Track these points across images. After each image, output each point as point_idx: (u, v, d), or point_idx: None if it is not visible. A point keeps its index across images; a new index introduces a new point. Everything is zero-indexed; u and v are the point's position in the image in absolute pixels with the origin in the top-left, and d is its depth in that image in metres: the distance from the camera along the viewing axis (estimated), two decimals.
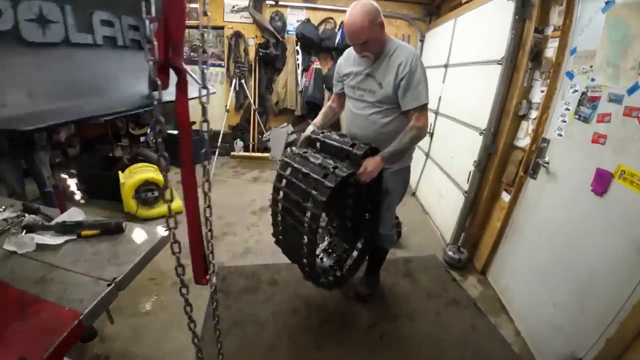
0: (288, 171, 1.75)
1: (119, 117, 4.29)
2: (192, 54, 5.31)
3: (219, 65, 5.24)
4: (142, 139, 5.34)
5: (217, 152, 4.03)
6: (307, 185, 1.55)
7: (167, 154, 0.76)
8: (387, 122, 1.72)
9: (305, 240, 1.58)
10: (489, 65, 2.54)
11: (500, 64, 2.39)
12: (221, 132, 4.03)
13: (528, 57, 2.25)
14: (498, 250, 2.51)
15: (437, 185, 3.41)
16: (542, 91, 2.16)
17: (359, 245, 2.08)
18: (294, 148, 1.89)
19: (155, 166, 3.37)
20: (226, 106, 4.13)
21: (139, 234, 1.49)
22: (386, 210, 1.92)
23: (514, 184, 2.35)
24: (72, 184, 3.43)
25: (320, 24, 4.80)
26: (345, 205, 2.03)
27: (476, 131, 2.64)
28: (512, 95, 2.37)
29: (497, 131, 2.46)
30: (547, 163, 2.04)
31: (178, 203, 3.22)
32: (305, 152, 1.79)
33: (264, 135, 5.04)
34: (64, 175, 3.33)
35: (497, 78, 2.41)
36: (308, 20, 4.74)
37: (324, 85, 4.88)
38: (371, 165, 1.59)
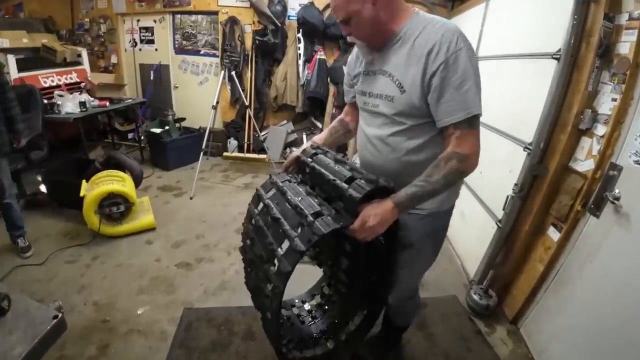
0: (258, 208, 1.28)
1: (104, 112, 3.80)
2: (184, 42, 4.76)
3: (214, 55, 4.68)
4: (129, 135, 4.87)
5: (201, 154, 3.48)
6: (274, 239, 1.06)
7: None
8: (417, 147, 1.10)
9: (269, 310, 1.08)
10: (539, 60, 1.94)
11: (557, 58, 1.78)
12: (207, 131, 3.48)
13: (595, 52, 1.65)
14: (537, 299, 1.97)
15: (459, 204, 2.80)
16: (614, 100, 1.59)
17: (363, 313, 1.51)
18: (273, 176, 1.33)
19: (126, 175, 2.87)
20: (215, 102, 3.59)
21: (26, 318, 0.97)
22: (405, 273, 1.32)
23: (566, 219, 1.78)
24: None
25: (326, 8, 4.17)
26: (337, 265, 1.48)
27: (518, 144, 2.05)
28: (571, 101, 1.77)
29: (547, 148, 1.87)
30: (617, 199, 1.48)
31: (149, 218, 2.72)
32: (288, 181, 1.26)
33: (261, 135, 4.51)
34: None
35: (550, 77, 1.81)
36: (311, 3, 4.13)
37: (328, 79, 4.29)
38: (375, 216, 0.97)
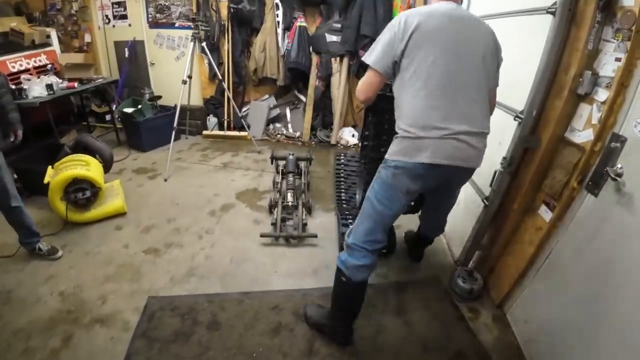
0: None
1: (73, 93, 3.49)
2: (157, 15, 4.35)
3: (189, 27, 4.27)
4: (108, 117, 4.56)
5: (173, 133, 3.22)
6: None
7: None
8: None
9: None
10: (533, 16, 1.66)
11: (552, 12, 1.50)
12: (177, 109, 3.20)
13: (596, 5, 1.38)
14: (525, 282, 1.79)
15: None
16: (618, 60, 1.33)
17: None
18: None
19: (92, 159, 2.62)
20: (186, 75, 3.27)
21: None
22: None
23: (560, 197, 1.57)
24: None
25: None
26: None
27: (508, 113, 1.81)
28: (569, 62, 1.51)
29: (540, 116, 1.63)
30: (619, 175, 1.25)
31: (119, 203, 2.52)
32: None
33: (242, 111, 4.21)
34: None
35: (545, 35, 1.54)
36: None
37: (310, 48, 3.93)
38: None
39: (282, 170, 2.97)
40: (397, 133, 1.32)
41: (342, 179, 3.12)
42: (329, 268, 2.06)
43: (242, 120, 4.00)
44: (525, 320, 1.75)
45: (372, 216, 1.38)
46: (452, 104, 1.25)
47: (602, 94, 1.38)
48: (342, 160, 3.34)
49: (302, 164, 3.00)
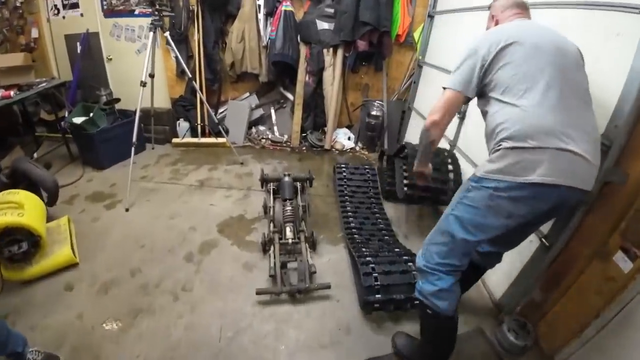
0: None
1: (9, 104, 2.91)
2: (113, 1, 3.77)
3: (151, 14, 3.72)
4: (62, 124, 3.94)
5: (132, 150, 2.73)
6: None
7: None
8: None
9: None
10: (618, 14, 1.33)
11: None
12: (136, 119, 2.71)
13: None
14: (586, 334, 1.57)
15: None
16: None
17: None
18: None
19: (28, 196, 2.13)
20: (147, 74, 2.78)
21: None
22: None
23: None
24: None
25: None
26: None
27: None
28: None
29: (626, 145, 1.34)
30: None
31: (66, 252, 2.08)
32: None
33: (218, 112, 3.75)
34: None
35: (636, 40, 1.24)
36: None
37: (297, 37, 3.50)
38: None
39: (273, 189, 2.61)
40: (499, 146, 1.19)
41: (347, 197, 2.78)
42: (351, 332, 1.74)
43: (219, 124, 3.54)
44: None
45: (451, 242, 1.32)
46: (568, 109, 1.15)
47: None
48: (345, 174, 2.99)
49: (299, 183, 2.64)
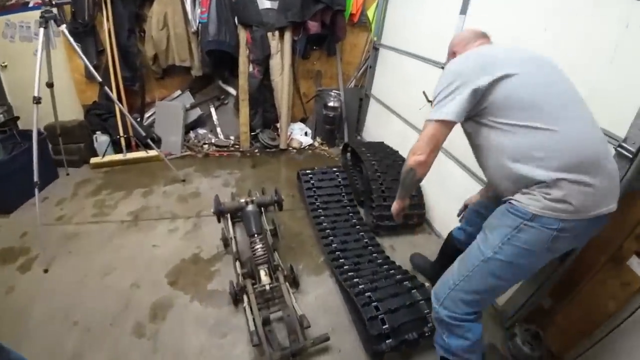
0: None
1: None
2: None
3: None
4: None
5: (37, 193, 2.10)
6: None
7: None
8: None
9: None
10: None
11: None
12: (34, 141, 2.06)
13: None
14: (596, 335, 1.61)
15: None
16: None
17: None
18: None
19: None
20: (46, 85, 2.17)
21: None
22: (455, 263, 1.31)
23: None
24: None
25: None
26: None
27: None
28: None
29: None
30: None
31: None
32: None
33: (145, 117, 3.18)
34: None
35: None
36: None
37: (235, 19, 3.05)
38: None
39: (228, 214, 2.24)
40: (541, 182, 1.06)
41: (321, 211, 2.52)
42: None
43: (148, 133, 2.99)
44: None
45: (492, 289, 1.21)
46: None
47: None
48: (312, 181, 2.71)
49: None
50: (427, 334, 1.67)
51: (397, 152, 2.97)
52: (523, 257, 1.10)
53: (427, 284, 2.12)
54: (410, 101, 2.93)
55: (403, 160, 2.81)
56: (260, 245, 1.84)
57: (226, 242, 2.12)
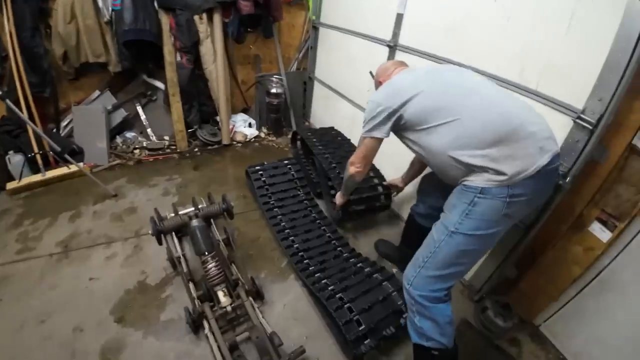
0: None
1: None
2: None
3: None
4: None
5: None
6: None
7: None
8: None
9: None
10: None
11: None
12: None
13: None
14: (563, 298, 1.77)
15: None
16: None
17: None
18: None
19: None
20: None
21: None
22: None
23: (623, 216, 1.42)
24: None
25: None
26: None
27: (556, 109, 1.45)
28: None
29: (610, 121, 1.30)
30: None
31: None
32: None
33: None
34: None
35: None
36: None
37: (154, 3, 2.74)
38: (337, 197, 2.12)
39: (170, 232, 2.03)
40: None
41: (277, 210, 2.41)
42: None
43: (65, 145, 2.62)
44: (570, 335, 1.77)
45: (461, 264, 1.31)
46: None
47: None
48: (263, 178, 2.57)
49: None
50: (403, 326, 1.68)
51: (349, 140, 2.91)
52: (483, 227, 1.23)
53: (394, 270, 2.15)
54: (358, 83, 2.87)
55: (355, 148, 2.79)
56: (214, 264, 1.68)
57: (174, 262, 1.92)
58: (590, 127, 1.28)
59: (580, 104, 1.32)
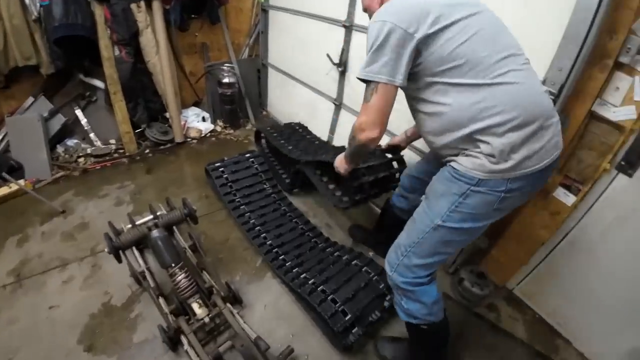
0: None
1: None
2: None
3: None
4: None
5: None
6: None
7: None
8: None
9: None
10: None
11: None
12: None
13: None
14: (533, 261, 1.88)
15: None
16: None
17: None
18: None
19: None
20: None
21: None
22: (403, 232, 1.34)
23: (586, 180, 1.52)
24: None
25: None
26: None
27: None
28: (615, 22, 1.24)
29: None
30: None
31: None
32: None
33: None
34: None
35: None
36: None
37: None
38: (336, 160, 1.63)
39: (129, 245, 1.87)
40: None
41: (244, 207, 2.33)
42: None
43: (2, 162, 2.36)
44: (544, 296, 1.89)
45: (443, 254, 1.25)
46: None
47: None
48: (225, 175, 2.46)
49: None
50: (387, 308, 1.72)
51: (320, 138, 2.82)
52: (472, 220, 1.13)
53: (371, 254, 2.17)
54: (315, 67, 2.80)
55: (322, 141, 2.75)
56: (183, 276, 1.58)
57: (138, 278, 1.77)
58: (552, 98, 1.32)
59: (540, 75, 1.36)
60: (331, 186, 2.12)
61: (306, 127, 2.91)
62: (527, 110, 1.00)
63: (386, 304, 1.72)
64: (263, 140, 3.00)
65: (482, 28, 1.03)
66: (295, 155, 2.36)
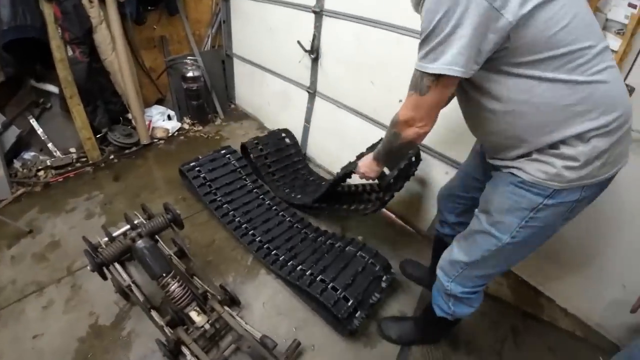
0: None
1: None
2: None
3: None
4: None
5: None
6: None
7: None
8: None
9: None
10: None
11: None
12: None
13: None
14: None
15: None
16: (632, 5, 1.28)
17: None
18: None
19: None
20: None
21: None
22: (456, 245, 1.27)
23: None
24: None
25: None
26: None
27: None
28: None
29: None
30: None
31: None
32: None
33: None
34: None
35: None
36: None
37: None
38: (362, 165, 1.49)
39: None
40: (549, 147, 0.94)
41: (227, 205, 2.29)
42: None
43: None
44: None
45: (501, 267, 1.21)
46: None
47: (612, 42, 1.32)
48: (203, 174, 2.39)
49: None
50: (385, 288, 1.78)
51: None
52: (540, 234, 1.06)
53: (360, 238, 2.19)
54: (286, 55, 2.75)
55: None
56: (176, 285, 1.53)
57: (125, 292, 1.69)
58: None
59: None
60: (353, 206, 2.04)
61: (292, 134, 2.82)
62: (623, 115, 0.89)
63: (383, 284, 1.78)
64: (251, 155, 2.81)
65: (580, 11, 0.84)
66: (306, 201, 2.29)
